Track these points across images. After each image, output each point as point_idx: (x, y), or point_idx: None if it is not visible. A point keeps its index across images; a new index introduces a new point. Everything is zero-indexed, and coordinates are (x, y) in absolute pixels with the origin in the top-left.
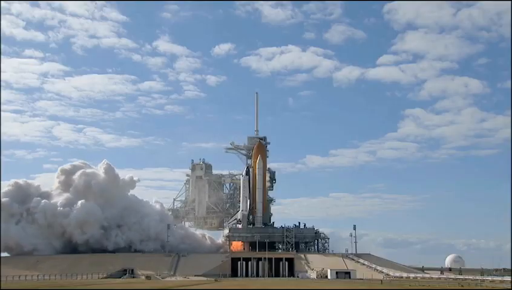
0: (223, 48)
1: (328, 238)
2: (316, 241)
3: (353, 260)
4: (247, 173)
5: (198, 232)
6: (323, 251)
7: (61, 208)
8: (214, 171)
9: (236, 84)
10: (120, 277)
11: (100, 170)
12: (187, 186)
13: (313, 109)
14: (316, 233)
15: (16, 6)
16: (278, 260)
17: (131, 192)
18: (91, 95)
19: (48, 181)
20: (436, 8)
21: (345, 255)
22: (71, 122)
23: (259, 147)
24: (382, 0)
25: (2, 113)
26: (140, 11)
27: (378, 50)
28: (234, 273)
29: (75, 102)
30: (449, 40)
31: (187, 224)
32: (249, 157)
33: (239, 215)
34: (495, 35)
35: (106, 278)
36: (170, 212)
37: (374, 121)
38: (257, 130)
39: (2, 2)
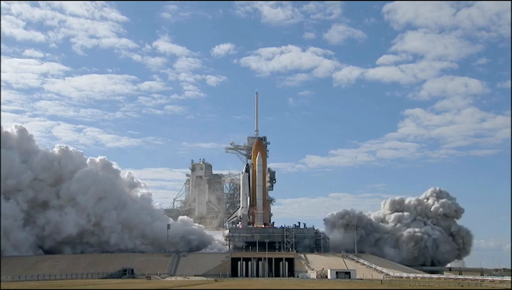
0: (222, 48)
1: (328, 238)
2: (316, 241)
3: (353, 260)
4: (247, 170)
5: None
6: (323, 251)
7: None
8: (214, 171)
9: (236, 84)
10: (120, 277)
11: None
12: (187, 186)
13: (313, 109)
14: (316, 233)
15: (16, 7)
16: (278, 260)
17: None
18: (91, 95)
19: None
20: (436, 8)
21: (345, 255)
22: (71, 123)
23: (259, 145)
24: (381, 0)
25: (2, 113)
26: (140, 11)
27: (378, 50)
28: (234, 273)
29: (75, 102)
30: (448, 40)
31: None
32: (248, 157)
33: (239, 213)
34: (495, 36)
35: (106, 278)
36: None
37: (374, 121)
38: (257, 130)
39: (2, 2)
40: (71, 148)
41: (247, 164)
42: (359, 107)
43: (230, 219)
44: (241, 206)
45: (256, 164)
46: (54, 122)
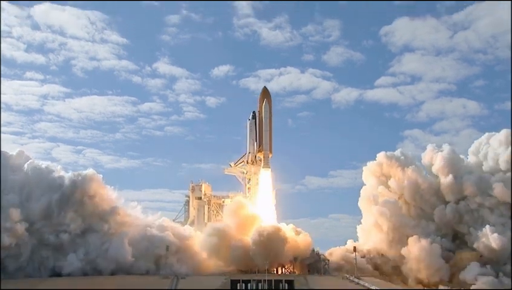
0: (222, 70)
1: (328, 260)
2: (316, 263)
3: (353, 282)
4: (254, 117)
5: None
6: (323, 272)
7: None
8: (214, 192)
9: (236, 105)
10: None
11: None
12: (187, 207)
13: (312, 130)
14: (317, 254)
15: (17, 30)
16: (278, 281)
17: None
18: (91, 117)
19: None
20: (433, 31)
21: (345, 277)
22: (70, 144)
23: (265, 92)
24: (380, 20)
25: (2, 135)
26: (140, 33)
27: (376, 72)
28: None
29: (75, 123)
30: (446, 62)
31: None
32: (248, 180)
33: (246, 158)
34: (492, 58)
35: None
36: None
37: (374, 142)
38: (256, 152)
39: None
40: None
41: (253, 112)
42: (358, 128)
43: (236, 163)
44: (247, 152)
45: (263, 110)
46: (53, 143)
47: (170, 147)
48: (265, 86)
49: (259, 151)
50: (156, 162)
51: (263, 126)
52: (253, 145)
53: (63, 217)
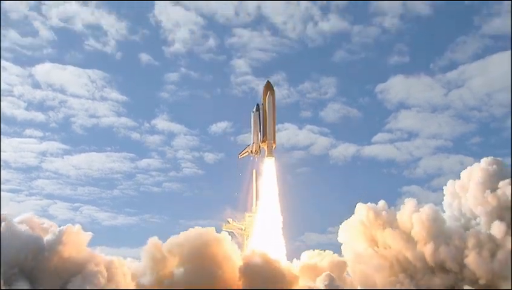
0: (220, 126)
1: None
2: None
3: None
4: (257, 109)
5: None
6: None
7: None
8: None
9: (234, 162)
10: None
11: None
12: None
13: (310, 186)
14: None
15: (18, 88)
16: None
17: None
18: (89, 173)
19: None
20: (427, 89)
21: None
22: (67, 201)
23: (268, 86)
24: (375, 77)
25: (1, 193)
26: (139, 91)
27: (373, 128)
28: None
29: (72, 180)
30: (442, 119)
31: None
32: (246, 237)
33: (250, 147)
34: (487, 115)
35: None
36: None
37: (372, 198)
38: (255, 208)
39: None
40: None
41: (257, 104)
42: (356, 184)
43: (241, 153)
44: (252, 142)
45: (267, 102)
46: (50, 201)
47: (168, 203)
48: (268, 80)
49: (263, 141)
50: (153, 219)
51: (267, 117)
52: (257, 136)
53: (40, 275)
